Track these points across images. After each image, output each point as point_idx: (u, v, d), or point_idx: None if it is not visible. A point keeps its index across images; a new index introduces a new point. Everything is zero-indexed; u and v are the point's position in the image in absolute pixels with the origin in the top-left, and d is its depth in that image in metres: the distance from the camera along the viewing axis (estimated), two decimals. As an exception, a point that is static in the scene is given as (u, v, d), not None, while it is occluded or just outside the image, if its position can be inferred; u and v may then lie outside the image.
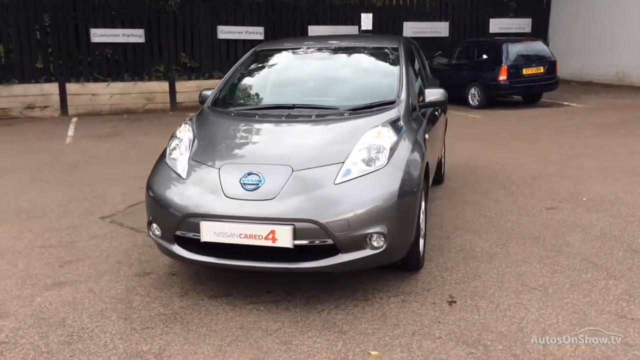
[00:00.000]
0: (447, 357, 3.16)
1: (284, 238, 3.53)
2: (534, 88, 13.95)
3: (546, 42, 16.42)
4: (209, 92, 5.13)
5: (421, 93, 4.95)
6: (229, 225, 3.61)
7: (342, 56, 5.49)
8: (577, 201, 5.91)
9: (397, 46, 5.24)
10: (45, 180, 7.35)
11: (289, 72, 5.45)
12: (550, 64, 13.80)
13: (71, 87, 14.08)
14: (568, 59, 17.50)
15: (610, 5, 17.17)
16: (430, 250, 4.66)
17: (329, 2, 16.82)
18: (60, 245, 5.03)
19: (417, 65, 5.79)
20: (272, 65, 5.50)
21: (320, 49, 5.60)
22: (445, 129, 7.02)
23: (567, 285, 3.99)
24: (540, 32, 18.42)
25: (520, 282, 4.07)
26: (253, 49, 5.70)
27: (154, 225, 3.97)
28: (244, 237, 3.58)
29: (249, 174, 3.74)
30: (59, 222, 5.64)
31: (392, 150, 3.90)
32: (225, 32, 15.55)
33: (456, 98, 13.87)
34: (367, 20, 16.51)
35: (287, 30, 16.22)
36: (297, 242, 3.55)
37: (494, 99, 13.91)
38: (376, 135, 3.98)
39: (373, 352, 3.24)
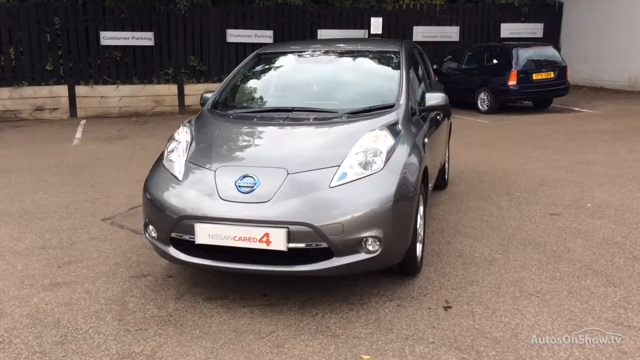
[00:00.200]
0: (439, 362, 3.14)
1: (278, 241, 3.52)
2: (544, 93, 13.85)
3: (558, 48, 16.29)
4: (209, 95, 5.14)
5: (423, 97, 4.93)
6: (223, 227, 3.60)
7: (343, 60, 5.47)
8: (581, 207, 5.86)
9: (398, 50, 5.22)
10: (50, 182, 7.39)
11: (290, 75, 5.45)
12: (561, 69, 13.69)
13: (80, 90, 14.20)
14: (580, 65, 17.39)
15: (622, 11, 17.05)
16: (429, 255, 4.63)
17: (339, 6, 16.83)
18: (60, 246, 5.05)
19: (420, 70, 5.77)
20: (273, 69, 5.50)
21: (322, 53, 5.59)
22: (450, 134, 6.99)
23: (565, 292, 3.94)
24: (552, 37, 18.28)
25: (518, 288, 4.03)
26: (255, 51, 5.71)
27: (150, 227, 3.98)
28: (238, 239, 3.57)
29: (244, 176, 3.74)
30: (61, 224, 5.66)
31: (389, 154, 3.88)
32: (235, 36, 15.61)
33: (465, 103, 13.89)
34: (376, 25, 16.49)
35: (297, 33, 16.24)
36: (292, 245, 3.54)
37: (504, 104, 13.82)
38: (373, 139, 3.97)
39: (365, 357, 3.21)
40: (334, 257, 3.59)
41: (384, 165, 3.80)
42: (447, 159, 6.77)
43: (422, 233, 4.39)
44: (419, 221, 4.21)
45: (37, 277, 4.38)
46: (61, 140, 10.91)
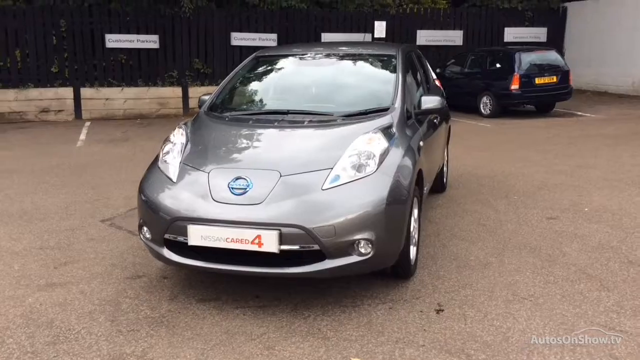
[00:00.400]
0: (428, 365, 3.15)
1: (270, 243, 3.54)
2: (547, 97, 13.80)
3: (561, 52, 16.25)
4: (207, 97, 5.17)
5: (419, 101, 4.93)
6: (215, 229, 3.62)
7: (340, 63, 5.48)
8: (579, 212, 5.85)
9: (395, 54, 5.23)
10: (51, 183, 7.43)
11: (287, 78, 5.47)
12: (564, 74, 13.65)
13: (86, 92, 14.28)
14: (583, 69, 17.34)
15: (626, 16, 16.99)
16: (424, 257, 4.63)
17: (343, 10, 16.85)
18: (58, 247, 5.08)
19: (418, 74, 5.78)
20: (270, 71, 5.52)
21: (319, 56, 5.60)
22: (449, 137, 6.99)
23: (559, 296, 3.94)
24: (556, 41, 18.23)
25: (511, 291, 4.03)
26: (254, 54, 5.74)
27: (145, 228, 4.01)
28: (231, 241, 3.59)
29: (238, 178, 3.75)
30: (60, 224, 5.70)
31: (382, 156, 3.89)
32: (239, 39, 15.64)
33: (468, 107, 13.86)
34: (380, 28, 16.51)
35: (300, 37, 16.26)
36: (284, 247, 3.55)
37: (506, 108, 13.79)
38: (367, 142, 3.98)
39: (354, 359, 3.22)
40: (326, 259, 3.60)
41: (377, 168, 3.81)
42: (445, 162, 6.77)
43: (416, 236, 4.39)
44: (413, 224, 4.22)
45: (33, 278, 4.41)
46: (65, 141, 10.97)
